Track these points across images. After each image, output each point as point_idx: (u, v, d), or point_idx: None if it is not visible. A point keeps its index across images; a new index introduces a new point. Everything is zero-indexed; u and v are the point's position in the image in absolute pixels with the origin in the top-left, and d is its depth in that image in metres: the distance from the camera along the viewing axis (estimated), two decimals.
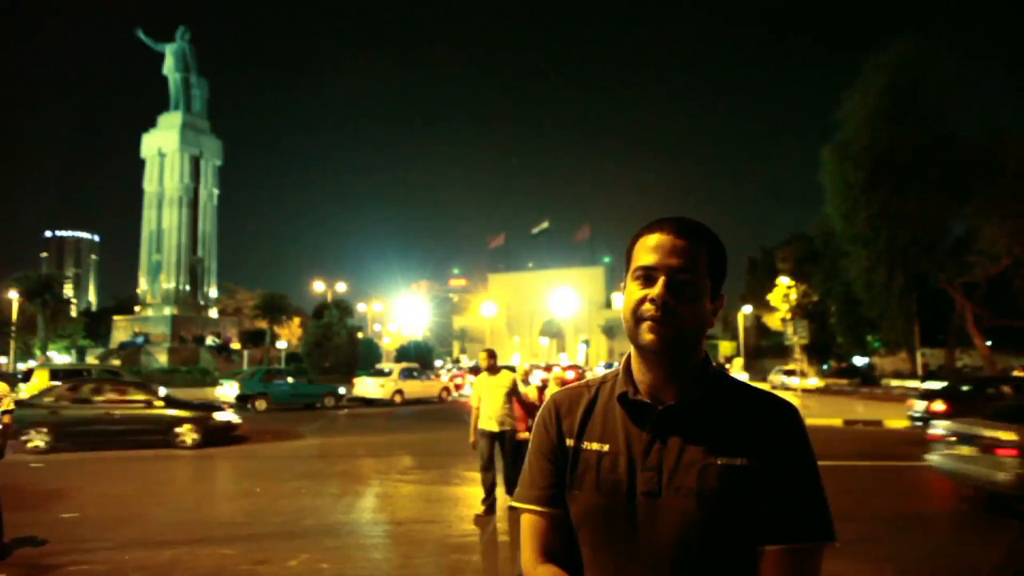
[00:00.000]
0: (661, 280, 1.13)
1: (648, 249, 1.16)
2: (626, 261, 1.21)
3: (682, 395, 1.17)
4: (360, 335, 49.34)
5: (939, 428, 8.31)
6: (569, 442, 1.24)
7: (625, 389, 1.21)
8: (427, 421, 19.97)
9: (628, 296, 1.17)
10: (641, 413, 1.19)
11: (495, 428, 7.56)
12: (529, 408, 8.01)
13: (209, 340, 40.54)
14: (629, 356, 1.24)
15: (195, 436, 12.95)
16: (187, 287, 42.04)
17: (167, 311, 40.32)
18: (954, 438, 7.83)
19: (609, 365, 45.35)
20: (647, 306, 1.14)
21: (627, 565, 1.14)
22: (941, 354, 37.38)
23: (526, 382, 8.45)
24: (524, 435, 7.69)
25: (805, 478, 1.13)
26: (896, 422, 17.02)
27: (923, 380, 31.15)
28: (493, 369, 7.74)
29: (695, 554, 1.10)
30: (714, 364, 1.24)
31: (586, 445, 1.22)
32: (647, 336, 1.14)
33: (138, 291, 43.67)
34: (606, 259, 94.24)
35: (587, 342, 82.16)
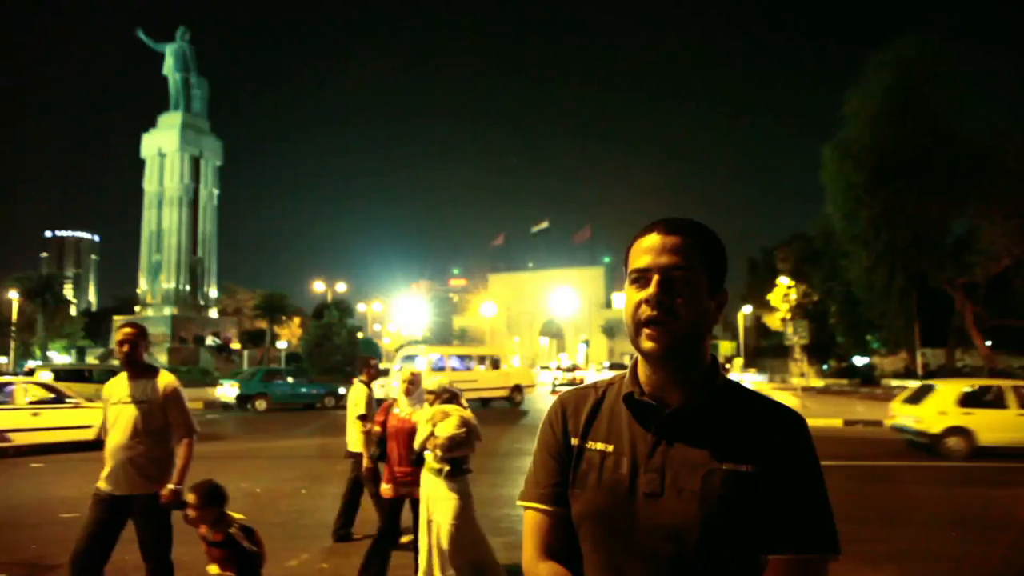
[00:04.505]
0: (655, 279, 1.14)
1: (641, 251, 1.17)
2: (624, 268, 1.22)
3: (687, 398, 1.17)
4: (360, 335, 49.34)
5: None
6: (574, 441, 1.24)
7: (631, 390, 1.21)
8: None
9: (627, 302, 1.18)
10: (646, 414, 1.19)
11: (111, 487, 3.74)
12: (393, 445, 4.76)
13: (209, 340, 40.61)
14: (638, 358, 1.23)
15: None
16: (187, 287, 42.10)
17: (167, 311, 40.39)
18: None
19: (564, 369, 41.61)
20: (644, 308, 1.14)
21: (626, 566, 1.14)
22: (941, 354, 37.35)
23: (413, 398, 4.95)
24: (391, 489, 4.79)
25: (811, 489, 1.12)
26: None
27: (923, 380, 31.14)
28: (137, 367, 3.76)
29: (694, 558, 1.09)
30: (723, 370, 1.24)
31: (590, 445, 1.22)
32: (647, 343, 1.14)
33: (138, 291, 43.73)
34: (606, 259, 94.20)
35: (587, 342, 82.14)
